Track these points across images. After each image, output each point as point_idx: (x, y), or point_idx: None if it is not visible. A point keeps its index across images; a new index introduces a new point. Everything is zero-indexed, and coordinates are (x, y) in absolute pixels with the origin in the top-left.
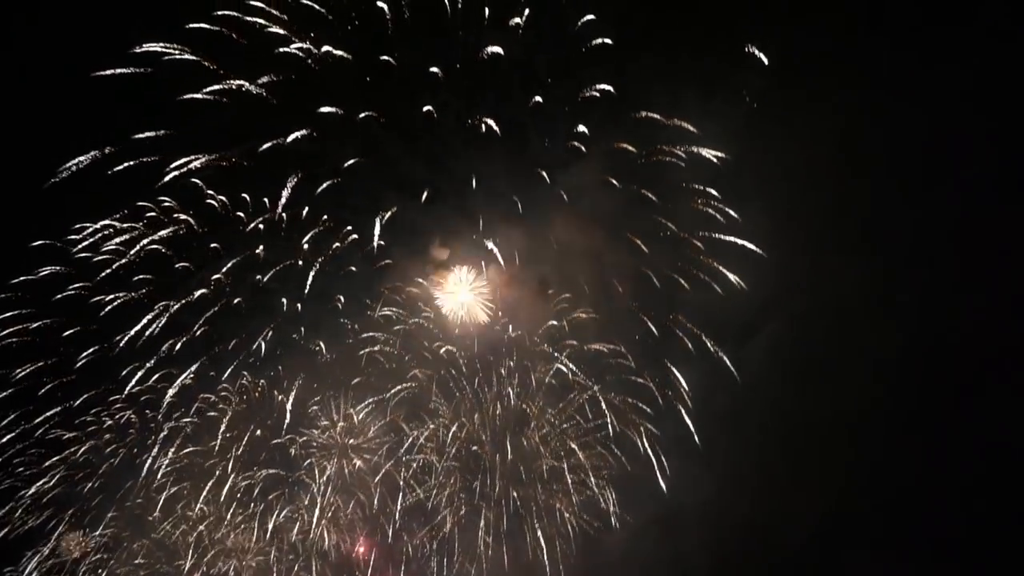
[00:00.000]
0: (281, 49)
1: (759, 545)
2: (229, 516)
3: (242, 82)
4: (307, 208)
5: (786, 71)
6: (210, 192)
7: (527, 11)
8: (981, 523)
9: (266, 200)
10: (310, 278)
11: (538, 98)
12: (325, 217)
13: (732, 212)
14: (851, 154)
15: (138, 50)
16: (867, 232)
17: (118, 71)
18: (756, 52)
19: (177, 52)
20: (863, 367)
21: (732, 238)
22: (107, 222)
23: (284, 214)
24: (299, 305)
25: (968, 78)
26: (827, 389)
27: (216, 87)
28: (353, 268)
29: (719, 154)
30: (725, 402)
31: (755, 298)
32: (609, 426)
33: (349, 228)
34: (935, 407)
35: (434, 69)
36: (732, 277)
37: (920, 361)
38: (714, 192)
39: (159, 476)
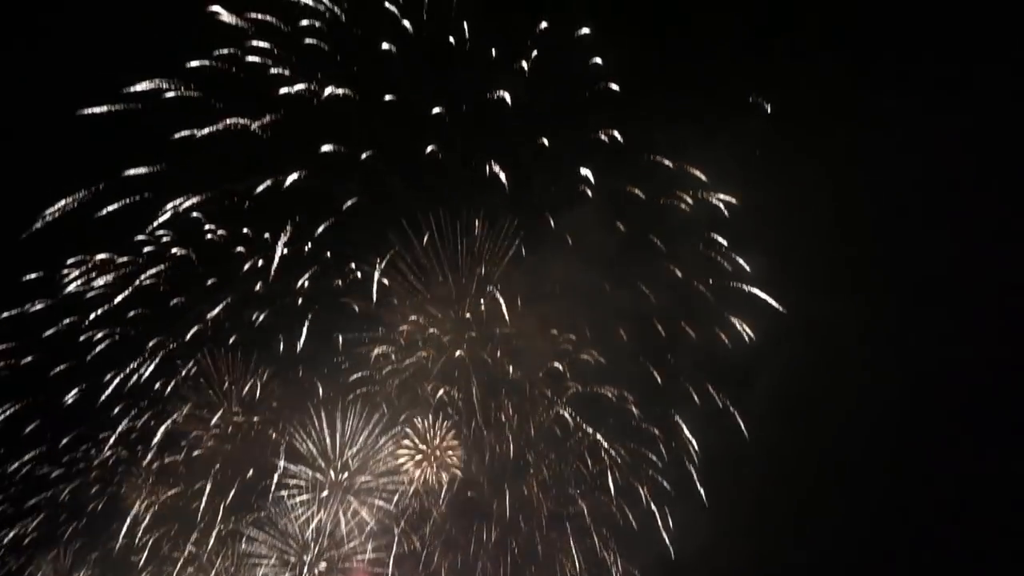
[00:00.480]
0: (283, 89)
1: None
2: (218, 560)
3: (243, 120)
4: (308, 244)
5: (787, 118)
6: (210, 227)
7: (534, 52)
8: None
9: (267, 235)
10: (309, 317)
11: (544, 140)
12: (328, 254)
13: (737, 258)
14: (851, 198)
15: (135, 88)
16: (869, 276)
17: (114, 107)
18: (759, 100)
19: (175, 90)
20: (866, 411)
21: (737, 284)
22: (101, 256)
23: (284, 250)
24: (297, 344)
25: (966, 123)
26: (829, 433)
27: (215, 126)
28: (355, 307)
29: (725, 198)
30: (728, 448)
31: (758, 342)
32: (610, 476)
33: (352, 266)
34: (937, 451)
35: (438, 109)
36: (737, 323)
37: (923, 405)
38: (719, 238)
39: (146, 518)
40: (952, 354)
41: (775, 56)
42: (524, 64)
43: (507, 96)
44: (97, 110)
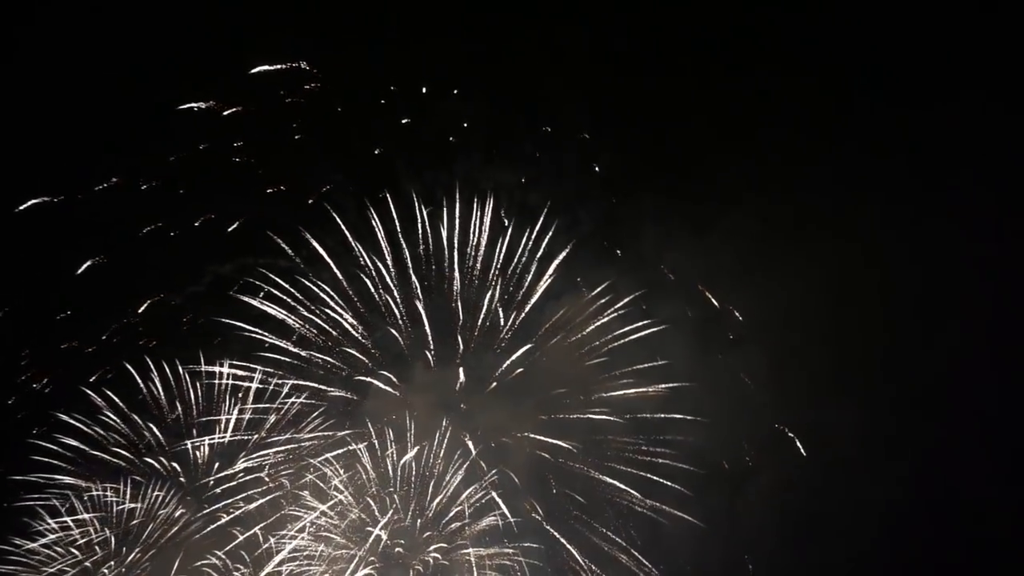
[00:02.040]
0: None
1: None
2: None
3: None
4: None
5: (779, 220)
6: None
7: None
8: None
9: None
10: None
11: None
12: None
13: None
14: (845, 300)
15: None
16: (863, 379)
17: None
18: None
19: None
20: (860, 517)
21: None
22: None
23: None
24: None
25: (956, 230)
26: (824, 541)
27: None
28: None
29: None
30: (720, 557)
31: (750, 445)
32: None
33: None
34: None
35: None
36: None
37: (920, 510)
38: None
39: None
40: (949, 457)
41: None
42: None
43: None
44: None
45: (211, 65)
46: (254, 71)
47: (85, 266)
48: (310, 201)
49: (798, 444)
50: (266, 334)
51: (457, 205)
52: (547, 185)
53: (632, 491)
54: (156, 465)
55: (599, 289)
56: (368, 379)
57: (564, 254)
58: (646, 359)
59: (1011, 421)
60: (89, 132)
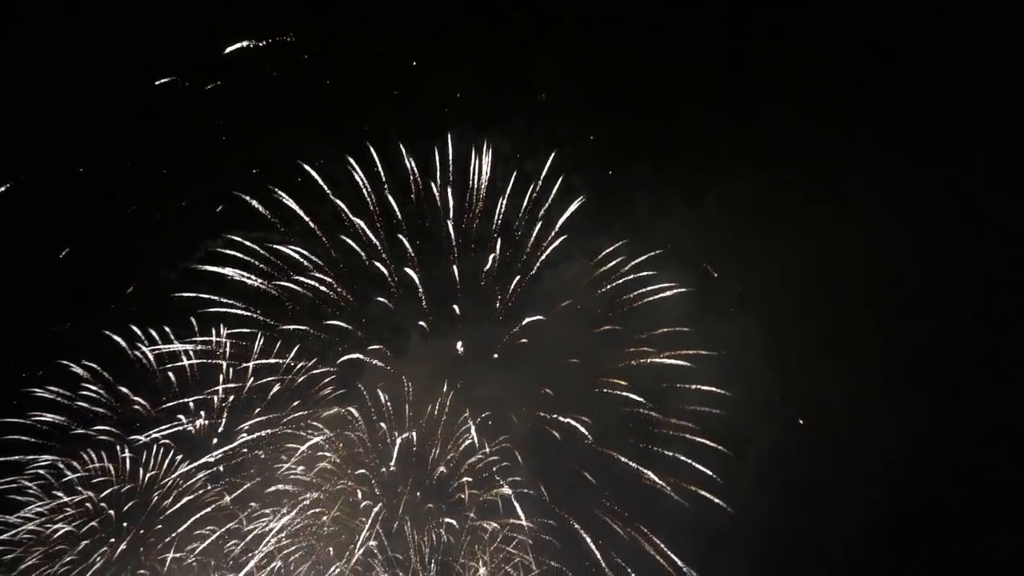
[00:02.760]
0: None
1: None
2: None
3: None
4: None
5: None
6: None
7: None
8: None
9: None
10: None
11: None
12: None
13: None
14: (835, 266)
15: None
16: (853, 342)
17: None
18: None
19: None
20: (854, 482)
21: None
22: None
23: None
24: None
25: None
26: (820, 506)
27: None
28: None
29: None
30: (716, 523)
31: (745, 412)
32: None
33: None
34: (929, 524)
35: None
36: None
37: (912, 475)
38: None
39: None
40: (940, 422)
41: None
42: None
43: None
44: None
45: (195, 42)
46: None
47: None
48: (299, 179)
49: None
50: (256, 312)
51: (451, 172)
52: (542, 155)
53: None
54: (145, 439)
55: (603, 254)
56: (361, 352)
57: (562, 220)
58: (646, 328)
59: (1003, 385)
60: (73, 115)
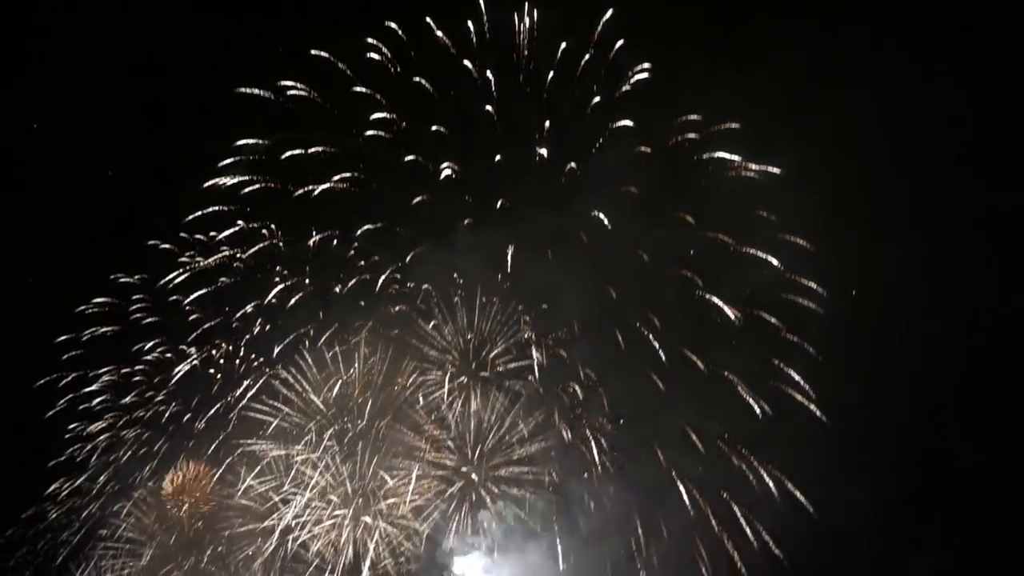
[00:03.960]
0: None
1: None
2: None
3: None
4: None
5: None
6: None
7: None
8: None
9: None
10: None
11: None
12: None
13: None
14: (890, 142)
15: None
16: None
17: None
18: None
19: None
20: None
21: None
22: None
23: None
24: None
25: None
26: (885, 382)
27: None
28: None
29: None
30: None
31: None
32: None
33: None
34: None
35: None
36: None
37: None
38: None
39: None
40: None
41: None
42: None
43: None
44: None
45: None
46: None
47: None
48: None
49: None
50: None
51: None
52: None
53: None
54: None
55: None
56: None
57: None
58: (707, 212)
59: None
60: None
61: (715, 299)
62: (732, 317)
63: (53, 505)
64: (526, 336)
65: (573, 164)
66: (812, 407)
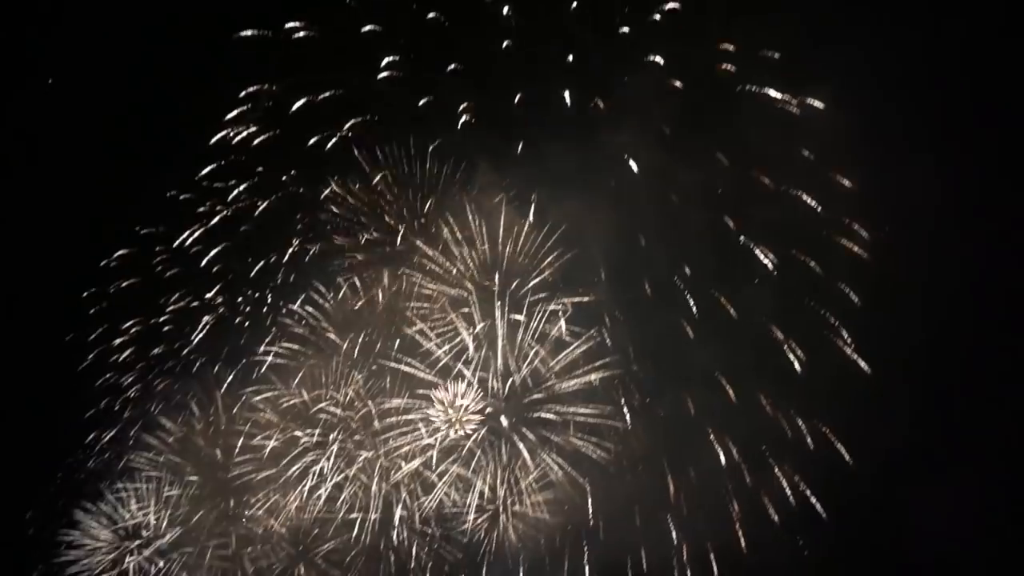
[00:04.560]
0: None
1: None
2: None
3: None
4: None
5: None
6: None
7: None
8: None
9: None
10: None
11: None
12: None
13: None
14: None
15: None
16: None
17: None
18: None
19: None
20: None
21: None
22: None
23: None
24: None
25: None
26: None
27: None
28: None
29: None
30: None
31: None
32: None
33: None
34: None
35: None
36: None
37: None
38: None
39: None
40: None
41: None
42: None
43: None
44: None
45: None
46: None
47: None
48: None
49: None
50: None
51: None
52: None
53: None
54: None
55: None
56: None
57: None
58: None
59: None
60: None
61: (749, 241)
62: (766, 260)
63: (88, 453)
64: (551, 280)
65: (599, 101)
66: (849, 351)
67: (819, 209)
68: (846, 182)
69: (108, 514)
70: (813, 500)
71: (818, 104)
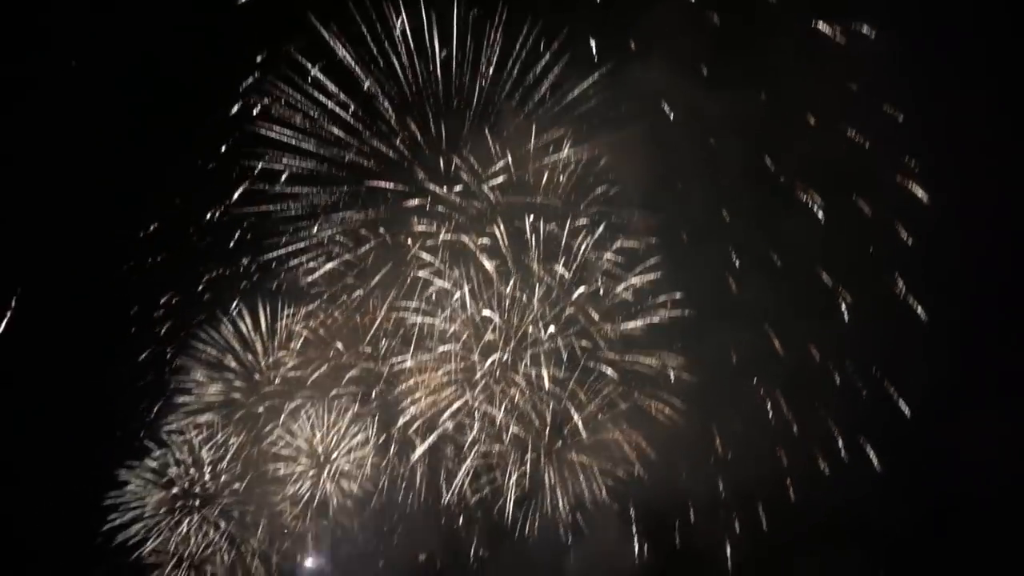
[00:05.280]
0: None
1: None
2: None
3: None
4: None
5: None
6: None
7: None
8: None
9: None
10: None
11: None
12: None
13: None
14: None
15: None
16: None
17: None
18: None
19: None
20: None
21: None
22: None
23: None
24: None
25: None
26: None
27: None
28: None
29: None
30: None
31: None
32: None
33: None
34: None
35: None
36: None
37: None
38: None
39: None
40: None
41: None
42: None
43: None
44: None
45: None
46: None
47: None
48: None
49: None
50: None
51: None
52: None
53: None
54: None
55: None
56: None
57: None
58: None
59: None
60: None
61: (792, 182)
62: (811, 204)
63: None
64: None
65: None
66: (908, 299)
67: (866, 145)
68: (899, 116)
69: (170, 475)
70: (867, 449)
71: (865, 31)
